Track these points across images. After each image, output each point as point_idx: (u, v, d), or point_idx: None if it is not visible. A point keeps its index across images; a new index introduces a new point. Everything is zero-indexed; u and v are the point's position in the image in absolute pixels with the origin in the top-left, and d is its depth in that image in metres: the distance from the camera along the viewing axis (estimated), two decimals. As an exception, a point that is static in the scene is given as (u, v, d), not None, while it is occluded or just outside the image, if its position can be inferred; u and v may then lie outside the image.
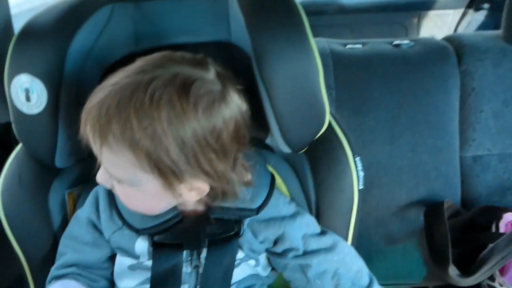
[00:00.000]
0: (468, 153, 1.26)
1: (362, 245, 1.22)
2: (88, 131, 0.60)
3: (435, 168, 1.24)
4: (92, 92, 0.61)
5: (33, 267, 0.82)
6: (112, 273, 0.76)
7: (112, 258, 0.76)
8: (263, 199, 0.72)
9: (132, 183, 0.62)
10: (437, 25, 2.20)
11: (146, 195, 0.63)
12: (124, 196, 0.66)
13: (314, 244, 0.75)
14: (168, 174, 0.59)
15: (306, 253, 0.74)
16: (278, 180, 0.81)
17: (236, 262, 0.72)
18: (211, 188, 0.65)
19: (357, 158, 0.81)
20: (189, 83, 0.58)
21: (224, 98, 0.61)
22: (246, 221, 0.72)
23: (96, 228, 0.75)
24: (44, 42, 0.71)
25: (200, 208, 0.72)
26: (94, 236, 0.75)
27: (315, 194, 0.82)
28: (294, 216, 0.75)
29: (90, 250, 0.75)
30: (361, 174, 0.81)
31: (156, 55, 0.63)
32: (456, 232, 1.12)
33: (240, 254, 0.72)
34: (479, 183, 1.27)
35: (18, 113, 0.73)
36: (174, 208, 0.70)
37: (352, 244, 0.83)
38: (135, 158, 0.57)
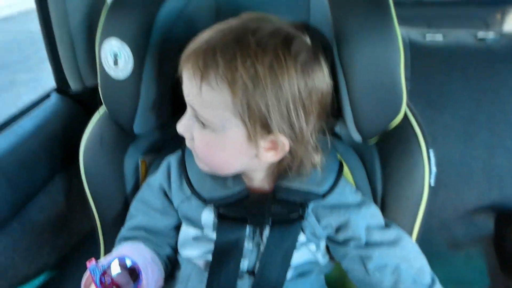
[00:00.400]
0: (550, 160, 1.18)
1: (423, 247, 1.18)
2: (188, 68, 0.62)
3: (511, 173, 1.18)
4: (194, 38, 0.64)
5: (105, 224, 0.87)
6: (176, 242, 0.79)
7: (178, 228, 0.79)
8: (331, 184, 0.72)
9: (217, 128, 0.63)
10: (523, 23, 2.06)
11: (226, 145, 0.65)
12: (204, 144, 0.66)
13: (378, 236, 0.73)
14: (256, 121, 0.61)
15: (368, 245, 0.72)
16: (345, 169, 0.80)
17: (297, 245, 0.72)
18: (289, 152, 0.66)
19: (431, 151, 0.78)
20: (290, 38, 0.61)
21: (318, 62, 0.64)
22: (311, 205, 0.72)
23: (166, 196, 0.78)
24: (133, 10, 0.75)
25: (266, 186, 0.73)
26: (163, 203, 0.78)
27: (382, 186, 0.80)
28: (359, 205, 0.74)
29: (158, 216, 0.78)
30: (434, 170, 0.78)
31: (254, 14, 0.65)
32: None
33: (302, 237, 0.72)
34: (559, 194, 1.19)
35: (106, 76, 0.77)
36: (242, 182, 0.71)
37: (416, 241, 0.80)
38: (231, 97, 0.59)
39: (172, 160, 0.79)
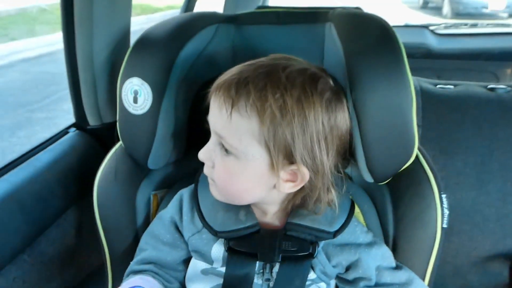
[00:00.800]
0: None
1: (436, 295, 1.15)
2: (219, 97, 0.65)
3: (525, 221, 1.16)
4: (223, 73, 0.69)
5: (114, 258, 0.87)
6: (184, 277, 0.78)
7: (186, 262, 0.79)
8: (342, 223, 0.72)
9: (241, 156, 0.65)
10: (532, 78, 2.08)
11: (248, 173, 0.67)
12: (225, 171, 0.68)
13: (388, 277, 0.72)
14: (280, 150, 0.64)
15: (378, 285, 0.72)
16: (356, 209, 0.80)
17: (307, 283, 0.72)
18: (307, 184, 0.68)
19: (443, 195, 0.78)
20: (317, 77, 0.67)
21: (341, 101, 0.69)
22: (321, 244, 0.72)
23: (177, 229, 0.78)
24: (156, 52, 0.79)
25: (278, 222, 0.74)
26: (174, 236, 0.78)
27: (394, 228, 0.80)
28: (370, 245, 0.74)
29: (168, 250, 0.78)
30: (446, 212, 0.78)
31: (282, 54, 0.70)
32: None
33: (312, 275, 0.72)
34: None
35: (125, 112, 0.80)
36: (254, 217, 0.72)
37: (429, 285, 0.79)
38: (259, 125, 0.63)
39: (184, 193, 0.80)
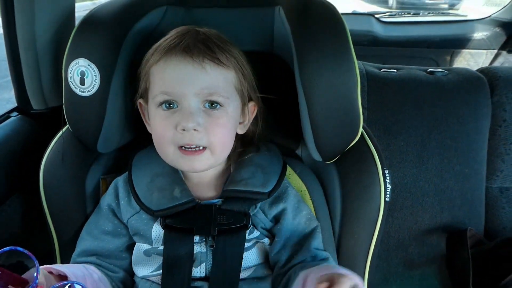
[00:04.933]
0: (495, 184, 1.26)
1: (381, 267, 1.22)
2: (193, 56, 0.70)
3: (460, 196, 1.24)
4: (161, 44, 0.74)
5: (62, 243, 0.85)
6: (130, 264, 0.79)
7: (129, 248, 0.79)
8: (274, 184, 0.77)
9: (227, 105, 0.73)
10: (469, 64, 2.20)
11: (232, 121, 0.75)
12: (219, 125, 0.72)
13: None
14: (243, 92, 0.76)
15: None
16: (303, 187, 0.84)
17: (253, 242, 0.76)
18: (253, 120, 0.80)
19: (387, 171, 0.83)
20: None
21: None
22: (259, 204, 0.76)
23: (115, 215, 0.79)
24: (103, 32, 0.77)
25: (214, 192, 0.77)
26: (114, 224, 0.78)
27: (341, 202, 0.84)
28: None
29: (109, 239, 0.78)
30: (389, 186, 0.82)
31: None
32: (477, 261, 1.10)
33: (255, 233, 0.76)
34: (504, 215, 1.26)
35: (71, 94, 0.78)
36: (189, 193, 0.74)
37: (372, 257, 0.84)
38: (233, 73, 0.74)
39: (119, 180, 0.81)
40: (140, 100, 0.79)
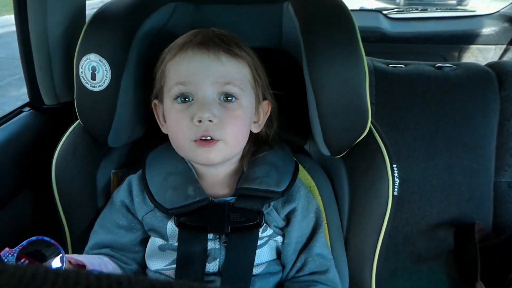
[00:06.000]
0: (503, 179, 1.26)
1: (389, 262, 1.22)
2: (209, 49, 0.72)
3: (468, 190, 1.24)
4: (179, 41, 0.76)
5: (74, 237, 0.86)
6: (143, 257, 0.79)
7: (143, 242, 0.80)
8: (288, 183, 0.77)
9: (242, 98, 0.74)
10: (478, 60, 2.19)
11: (247, 114, 0.76)
12: (235, 118, 0.74)
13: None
14: (258, 88, 0.78)
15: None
16: (312, 183, 0.85)
17: (265, 240, 0.76)
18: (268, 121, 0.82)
19: (395, 165, 0.83)
20: None
21: None
22: (272, 203, 0.77)
23: (129, 211, 0.79)
24: (114, 28, 0.78)
25: (227, 189, 0.78)
26: (128, 219, 0.79)
27: (350, 197, 0.84)
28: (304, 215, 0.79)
29: (123, 233, 0.79)
30: (397, 181, 0.83)
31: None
32: (485, 256, 1.11)
33: (268, 232, 0.77)
34: (512, 210, 1.26)
35: (82, 89, 0.79)
36: (202, 191, 0.75)
37: (380, 252, 0.84)
38: (247, 67, 0.76)
39: (133, 178, 0.81)
40: (155, 101, 0.80)
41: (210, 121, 0.71)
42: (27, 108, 1.10)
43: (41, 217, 1.03)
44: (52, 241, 0.60)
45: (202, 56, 0.71)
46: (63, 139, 0.87)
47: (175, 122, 0.74)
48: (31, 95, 1.10)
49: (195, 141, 0.72)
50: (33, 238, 0.61)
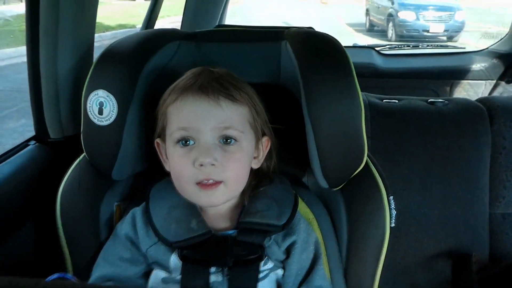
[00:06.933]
0: (497, 210, 1.28)
1: (389, 294, 1.22)
2: (208, 94, 0.74)
3: (464, 222, 1.26)
4: (178, 84, 0.78)
5: (77, 270, 0.86)
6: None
7: (146, 275, 0.81)
8: (288, 216, 0.79)
9: (242, 140, 0.76)
10: (469, 95, 2.23)
11: (246, 155, 0.78)
12: (235, 160, 0.75)
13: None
14: (257, 127, 0.80)
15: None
16: (310, 216, 0.86)
17: (266, 273, 0.77)
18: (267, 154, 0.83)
19: (391, 197, 0.85)
20: None
21: None
22: (273, 236, 0.78)
23: (133, 244, 0.80)
24: (122, 65, 0.82)
25: (229, 222, 0.79)
26: (132, 252, 0.80)
27: (348, 228, 0.86)
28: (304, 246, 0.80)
29: (127, 266, 0.80)
30: (394, 212, 0.85)
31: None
32: (484, 285, 1.11)
33: (269, 265, 0.78)
34: (508, 241, 1.27)
35: (89, 123, 0.82)
36: (205, 225, 0.77)
37: (380, 283, 0.85)
38: (247, 108, 0.78)
39: (136, 210, 0.82)
40: (158, 140, 0.82)
41: (212, 164, 0.73)
42: (32, 142, 1.12)
43: (42, 250, 1.03)
44: (74, 278, 0.60)
45: (202, 102, 0.73)
46: (69, 172, 0.89)
47: (178, 166, 0.76)
48: (37, 128, 1.12)
49: (197, 183, 0.74)
50: (55, 275, 0.61)
